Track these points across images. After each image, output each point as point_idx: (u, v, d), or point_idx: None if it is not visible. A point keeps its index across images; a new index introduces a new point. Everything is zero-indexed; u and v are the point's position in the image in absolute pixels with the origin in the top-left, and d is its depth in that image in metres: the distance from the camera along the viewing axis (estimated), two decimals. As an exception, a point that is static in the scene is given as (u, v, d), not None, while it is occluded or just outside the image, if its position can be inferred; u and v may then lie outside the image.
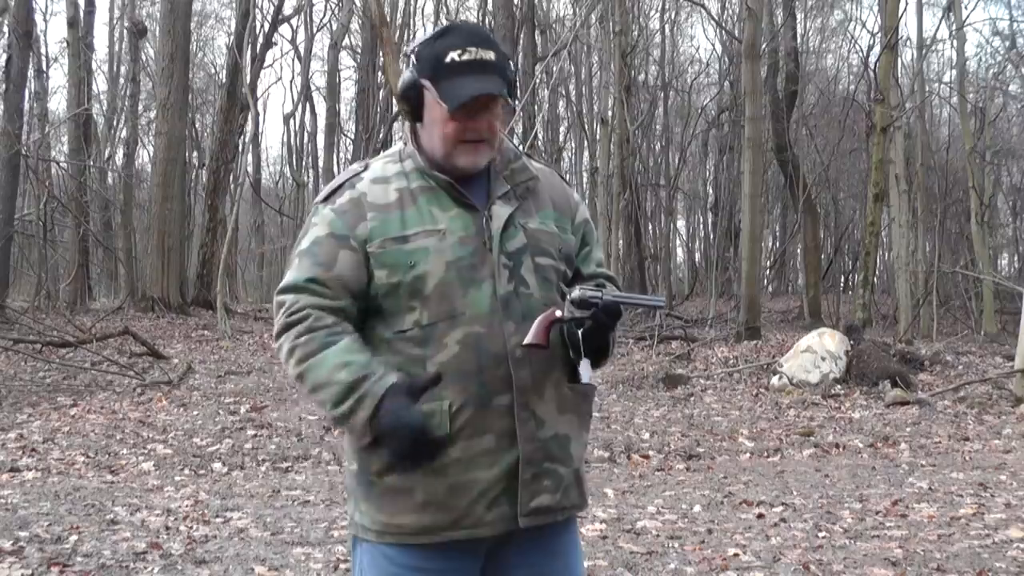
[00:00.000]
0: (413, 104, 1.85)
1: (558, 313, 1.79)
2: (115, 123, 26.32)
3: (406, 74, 1.84)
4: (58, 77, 46.66)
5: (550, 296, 1.85)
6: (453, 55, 1.78)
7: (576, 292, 1.81)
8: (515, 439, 1.79)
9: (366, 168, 1.90)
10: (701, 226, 33.69)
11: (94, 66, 25.79)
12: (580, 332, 1.81)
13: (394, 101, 20.63)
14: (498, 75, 1.80)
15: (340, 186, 1.87)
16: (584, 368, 1.84)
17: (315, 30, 27.91)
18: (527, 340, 1.76)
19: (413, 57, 1.83)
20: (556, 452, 1.84)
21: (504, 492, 1.79)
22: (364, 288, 1.81)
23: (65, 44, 22.14)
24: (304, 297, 1.79)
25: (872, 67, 17.20)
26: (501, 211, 1.85)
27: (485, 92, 1.77)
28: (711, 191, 31.04)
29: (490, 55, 1.80)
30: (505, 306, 1.79)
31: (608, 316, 1.80)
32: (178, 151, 19.19)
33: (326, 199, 1.87)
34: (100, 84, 28.23)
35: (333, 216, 1.83)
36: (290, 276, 1.82)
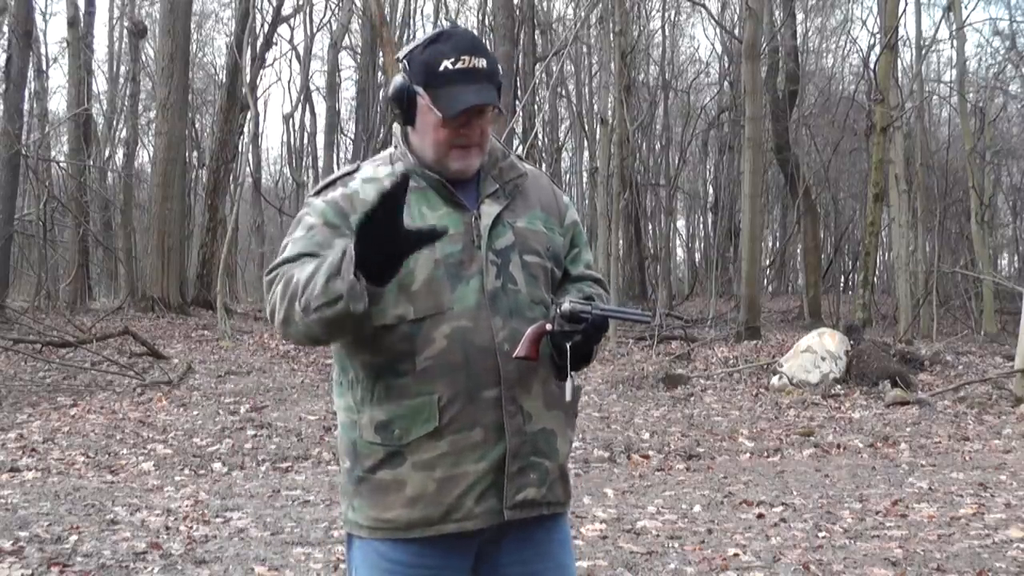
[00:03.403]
0: (405, 109, 1.87)
1: (548, 327, 1.82)
2: (115, 123, 26.31)
3: (398, 79, 1.87)
4: (58, 77, 46.78)
5: (537, 293, 1.88)
6: (447, 63, 1.80)
7: (566, 305, 1.82)
8: (503, 432, 1.81)
9: (357, 169, 1.94)
10: (701, 226, 33.70)
11: (94, 66, 25.81)
12: (568, 345, 1.82)
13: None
14: (490, 82, 1.83)
15: (333, 182, 1.91)
16: (569, 387, 1.86)
17: (315, 30, 27.99)
18: (516, 353, 1.79)
19: (406, 63, 1.86)
20: (543, 446, 1.86)
21: (492, 485, 1.81)
22: None
23: (65, 44, 22.14)
24: (295, 265, 1.76)
25: (872, 67, 17.20)
26: (490, 209, 1.88)
27: (481, 103, 1.80)
28: (711, 191, 31.06)
29: (482, 62, 1.82)
30: (493, 301, 1.82)
31: (596, 330, 1.83)
32: (178, 151, 19.18)
33: (318, 193, 1.91)
34: (100, 84, 28.26)
35: (325, 207, 1.86)
36: (281, 256, 1.81)
